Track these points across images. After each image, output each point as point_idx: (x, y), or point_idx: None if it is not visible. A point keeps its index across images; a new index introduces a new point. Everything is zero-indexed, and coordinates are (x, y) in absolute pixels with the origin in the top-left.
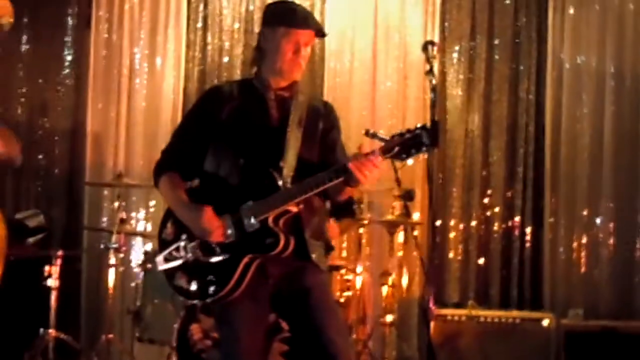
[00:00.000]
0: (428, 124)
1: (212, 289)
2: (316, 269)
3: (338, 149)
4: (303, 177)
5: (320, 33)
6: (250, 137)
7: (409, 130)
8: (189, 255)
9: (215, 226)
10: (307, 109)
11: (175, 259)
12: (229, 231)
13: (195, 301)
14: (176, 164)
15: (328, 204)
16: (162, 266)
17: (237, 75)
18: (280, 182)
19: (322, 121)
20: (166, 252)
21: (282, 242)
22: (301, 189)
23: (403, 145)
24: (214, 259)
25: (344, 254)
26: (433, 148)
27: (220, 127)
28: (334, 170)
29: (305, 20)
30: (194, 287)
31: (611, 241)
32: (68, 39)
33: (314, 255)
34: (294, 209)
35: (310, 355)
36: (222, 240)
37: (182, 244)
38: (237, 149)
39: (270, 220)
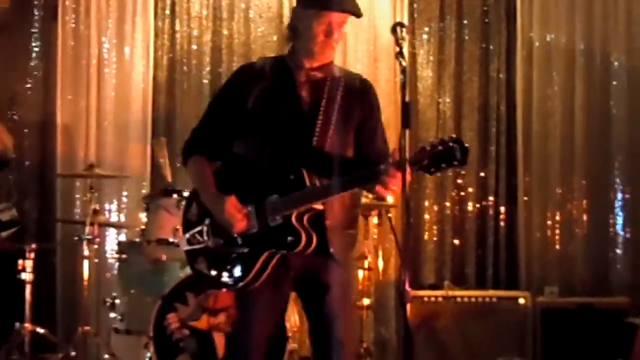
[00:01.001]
0: (460, 138)
1: (230, 280)
2: (339, 266)
3: (378, 138)
4: (333, 170)
5: (356, 13)
6: (278, 122)
7: (441, 143)
8: (211, 242)
9: (237, 218)
10: (342, 92)
11: (198, 242)
12: (252, 222)
13: (212, 288)
14: (204, 145)
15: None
16: (185, 247)
17: (207, 62)
18: (307, 181)
19: (359, 106)
20: (189, 234)
21: (303, 242)
22: (327, 191)
23: (434, 158)
24: (235, 251)
25: None
26: (463, 165)
27: (248, 109)
28: (363, 177)
29: (338, 2)
30: (213, 274)
31: (585, 218)
32: (35, 30)
33: (334, 250)
34: (319, 207)
35: (316, 347)
36: (244, 232)
37: (204, 228)
38: (264, 135)
39: (293, 217)
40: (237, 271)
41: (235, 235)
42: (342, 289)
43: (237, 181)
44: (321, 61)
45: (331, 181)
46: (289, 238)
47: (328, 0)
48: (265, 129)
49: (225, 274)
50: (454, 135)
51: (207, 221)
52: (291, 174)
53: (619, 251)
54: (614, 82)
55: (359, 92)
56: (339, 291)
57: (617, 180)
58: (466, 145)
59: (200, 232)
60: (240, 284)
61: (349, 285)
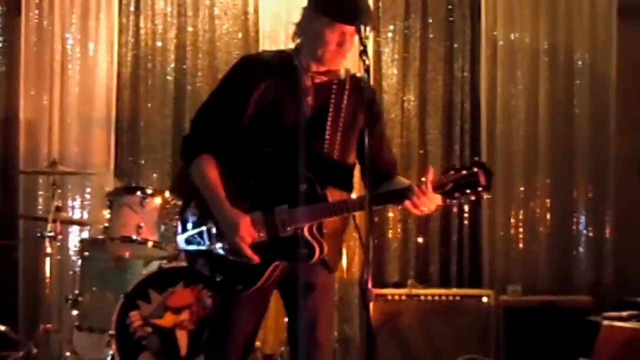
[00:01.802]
0: (484, 162)
1: (237, 286)
2: (325, 269)
3: (385, 146)
4: (339, 179)
5: (370, 25)
6: (282, 124)
7: (465, 168)
8: (216, 247)
9: (249, 239)
10: (348, 97)
11: (199, 243)
12: (262, 233)
13: (215, 293)
14: (212, 143)
15: None
16: (183, 247)
17: (171, 59)
18: (320, 192)
19: (364, 112)
20: (188, 234)
21: (317, 253)
22: (345, 207)
23: (458, 183)
24: (244, 260)
25: None
26: (488, 192)
27: (252, 106)
28: (394, 196)
29: (353, 14)
30: (218, 279)
31: (548, 217)
32: None
33: (328, 257)
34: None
35: (295, 346)
36: (263, 240)
37: (205, 230)
38: (266, 135)
39: (306, 229)
40: (245, 279)
41: None
42: (325, 292)
43: (240, 185)
44: (330, 67)
45: (358, 198)
46: (303, 250)
47: (345, 12)
48: (268, 133)
49: (231, 281)
50: (477, 159)
51: (210, 224)
52: (301, 184)
53: (581, 250)
54: (578, 81)
55: (364, 97)
56: (321, 294)
57: (581, 179)
58: (490, 169)
59: (201, 234)
60: (247, 291)
61: (332, 289)
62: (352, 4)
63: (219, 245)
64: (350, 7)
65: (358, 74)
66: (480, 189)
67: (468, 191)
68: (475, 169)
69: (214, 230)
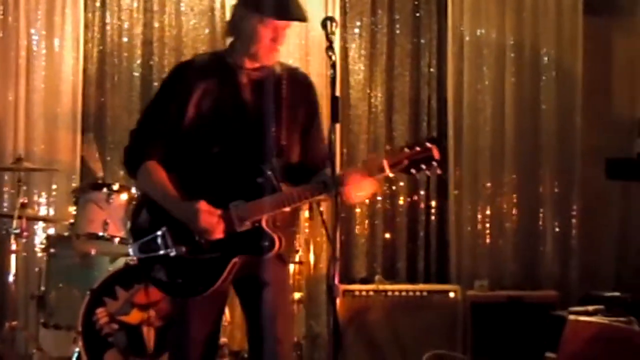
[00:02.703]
0: (436, 136)
1: (198, 286)
2: (278, 262)
3: (322, 138)
4: (289, 172)
5: (303, 20)
6: (225, 124)
7: (418, 144)
8: (171, 249)
9: (215, 223)
10: (286, 92)
11: (153, 250)
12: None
13: (177, 297)
14: (153, 150)
15: None
16: (138, 255)
17: (138, 55)
18: (276, 183)
19: (303, 105)
20: (142, 241)
21: (277, 244)
22: (301, 196)
23: (412, 160)
24: (202, 257)
25: None
26: (441, 165)
27: (192, 111)
28: (319, 184)
29: (285, 9)
30: (177, 282)
31: (514, 212)
32: None
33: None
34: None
35: (253, 344)
36: (220, 237)
37: (160, 235)
38: (210, 136)
39: (264, 221)
40: (205, 278)
41: (202, 242)
42: (281, 286)
43: (191, 186)
44: (264, 63)
45: (306, 186)
46: (264, 243)
47: (276, 7)
48: (212, 134)
49: (191, 282)
50: (431, 135)
51: (164, 229)
52: (258, 178)
53: (548, 245)
54: (544, 77)
55: (302, 90)
56: (277, 288)
57: (547, 174)
58: (442, 144)
59: (155, 240)
60: (208, 290)
61: (287, 282)
62: None
63: (175, 248)
64: (280, 2)
65: (293, 66)
66: (434, 163)
67: (423, 166)
68: (429, 145)
69: (168, 235)
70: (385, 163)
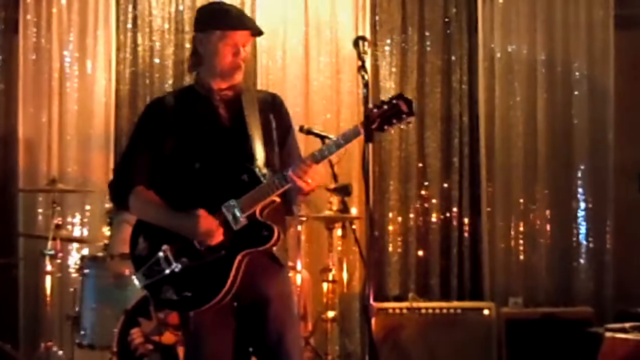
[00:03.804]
0: (401, 93)
1: (208, 294)
2: (278, 275)
3: (294, 152)
4: (274, 164)
5: (257, 32)
6: (203, 140)
7: (385, 102)
8: (174, 265)
9: (215, 226)
10: (258, 107)
11: (157, 272)
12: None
13: (190, 312)
14: (138, 178)
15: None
16: (144, 283)
17: (170, 76)
18: (261, 175)
19: (276, 121)
20: (144, 268)
21: (276, 233)
22: (283, 180)
23: (383, 117)
24: (207, 260)
25: None
26: (411, 116)
27: (169, 136)
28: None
29: (240, 21)
30: (187, 296)
31: (548, 228)
32: None
33: (275, 250)
34: (277, 199)
35: None
36: (221, 240)
37: (161, 255)
38: (191, 154)
39: (257, 213)
40: (213, 284)
41: (202, 249)
42: (284, 300)
43: (178, 203)
44: (230, 82)
45: (283, 172)
46: (264, 232)
47: (232, 21)
48: (191, 147)
49: (200, 292)
50: (398, 93)
51: (163, 248)
52: (243, 176)
53: (582, 261)
54: (576, 92)
55: (273, 107)
56: (280, 302)
57: (580, 190)
58: (409, 97)
59: (158, 262)
60: (219, 295)
61: (291, 293)
62: (235, 13)
63: (179, 262)
64: (236, 15)
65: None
66: (404, 116)
67: (394, 121)
68: (395, 101)
69: (169, 252)
70: (359, 125)
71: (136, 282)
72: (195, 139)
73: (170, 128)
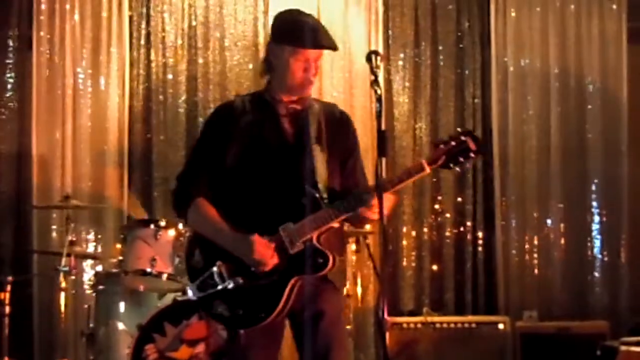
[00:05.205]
0: (471, 129)
1: (260, 314)
2: (333, 290)
3: (360, 170)
4: (330, 198)
5: (332, 48)
6: (265, 156)
7: (453, 138)
8: (227, 282)
9: (268, 256)
10: (325, 123)
11: (210, 286)
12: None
13: (241, 329)
14: (200, 189)
15: None
16: (197, 295)
17: (183, 91)
18: (322, 200)
19: (342, 138)
20: (198, 281)
21: (331, 261)
22: (345, 207)
23: (450, 155)
24: (260, 282)
25: None
26: (480, 154)
27: (232, 143)
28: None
29: (314, 39)
30: (239, 314)
31: (562, 242)
32: (10, 61)
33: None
34: (336, 224)
35: None
36: (275, 263)
37: (215, 270)
38: (252, 169)
39: (314, 238)
40: (266, 304)
41: (257, 272)
42: (337, 314)
43: (238, 217)
44: (300, 95)
45: (343, 202)
46: (319, 260)
47: (305, 37)
48: (255, 166)
49: (253, 311)
50: (462, 129)
51: (218, 263)
52: (303, 198)
53: (596, 274)
54: (589, 106)
55: (340, 124)
56: (334, 316)
57: (594, 203)
58: (477, 135)
59: (212, 276)
60: (271, 317)
61: (342, 312)
62: (310, 29)
63: (232, 280)
64: (308, 33)
65: (331, 102)
66: (472, 154)
67: (461, 159)
68: (463, 137)
69: (223, 268)
70: (424, 162)
71: (190, 293)
72: (257, 153)
73: (235, 135)
